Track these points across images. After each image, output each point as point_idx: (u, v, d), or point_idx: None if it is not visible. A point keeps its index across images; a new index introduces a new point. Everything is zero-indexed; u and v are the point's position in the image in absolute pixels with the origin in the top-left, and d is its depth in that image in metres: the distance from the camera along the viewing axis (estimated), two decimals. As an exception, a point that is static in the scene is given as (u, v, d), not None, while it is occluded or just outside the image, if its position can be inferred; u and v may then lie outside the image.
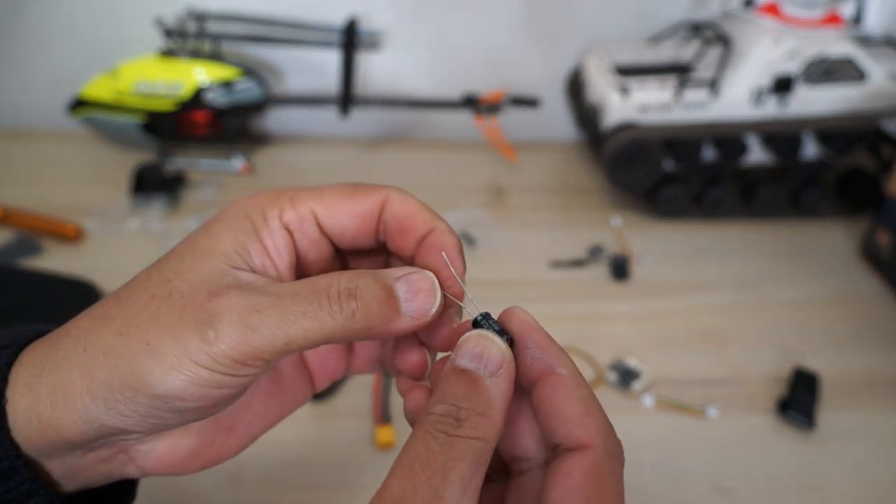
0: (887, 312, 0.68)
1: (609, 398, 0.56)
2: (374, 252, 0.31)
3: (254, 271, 0.27)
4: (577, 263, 0.73)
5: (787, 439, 0.55)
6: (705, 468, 0.52)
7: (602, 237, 0.76)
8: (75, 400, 0.24)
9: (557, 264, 0.72)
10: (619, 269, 0.71)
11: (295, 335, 0.24)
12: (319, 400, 0.55)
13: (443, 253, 0.28)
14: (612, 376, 0.58)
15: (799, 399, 0.56)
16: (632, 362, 0.59)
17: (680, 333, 0.64)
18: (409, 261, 0.29)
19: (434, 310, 0.27)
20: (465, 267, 0.28)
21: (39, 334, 0.27)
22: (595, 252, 0.74)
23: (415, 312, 0.26)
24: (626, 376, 0.58)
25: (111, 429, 0.25)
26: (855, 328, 0.66)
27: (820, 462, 0.53)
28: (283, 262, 0.28)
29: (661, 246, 0.75)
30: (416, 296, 0.26)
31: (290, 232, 0.28)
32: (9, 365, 0.26)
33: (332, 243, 0.30)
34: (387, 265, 0.32)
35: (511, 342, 0.26)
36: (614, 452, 0.24)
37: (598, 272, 0.72)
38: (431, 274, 0.27)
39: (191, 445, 0.29)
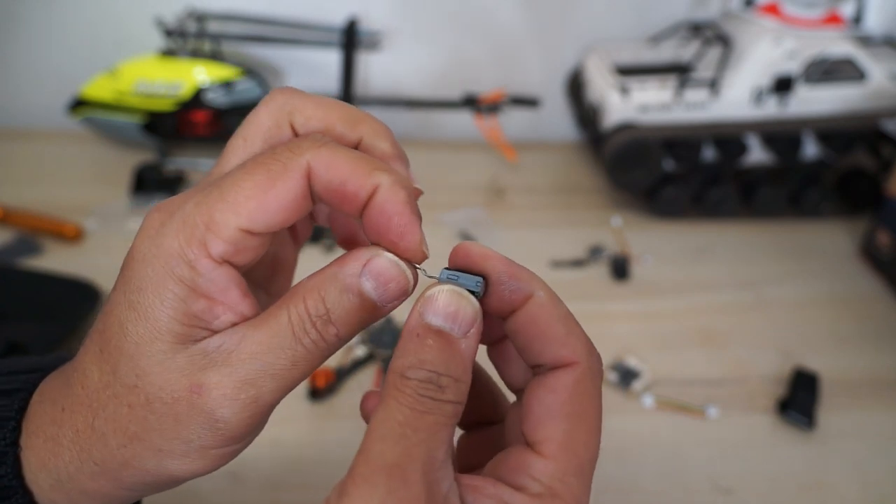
0: (887, 312, 0.68)
1: (609, 398, 0.56)
2: None
3: (213, 329, 0.24)
4: (578, 263, 0.73)
5: (787, 439, 0.55)
6: (705, 468, 0.52)
7: (602, 237, 0.76)
8: (111, 493, 0.25)
9: (557, 264, 0.72)
10: (620, 268, 0.71)
11: (294, 381, 0.24)
12: (319, 400, 0.55)
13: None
14: (613, 376, 0.58)
15: (799, 399, 0.56)
16: (632, 362, 0.59)
17: (680, 333, 0.64)
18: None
19: (411, 289, 0.25)
20: (420, 219, 0.25)
21: (41, 376, 0.27)
22: (595, 252, 0.74)
23: (393, 300, 0.25)
24: (627, 376, 0.58)
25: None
26: (855, 328, 0.66)
27: (820, 462, 0.53)
28: (235, 296, 0.24)
29: (661, 246, 0.75)
30: (386, 287, 0.24)
31: (227, 260, 0.24)
32: (22, 409, 0.26)
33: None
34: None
35: (486, 282, 0.25)
36: (597, 368, 0.25)
37: (599, 272, 0.72)
38: (391, 256, 0.24)
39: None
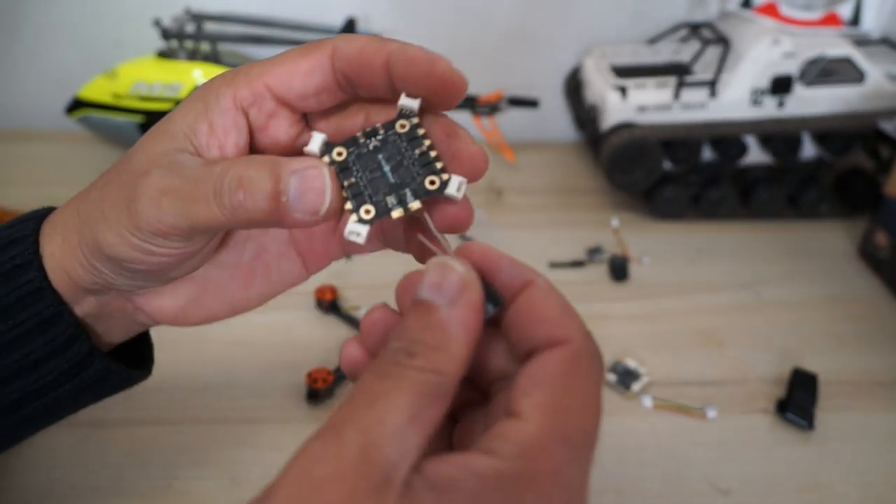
0: (886, 313, 0.68)
1: (608, 399, 0.56)
2: (353, 108, 0.30)
3: (198, 152, 0.28)
4: (577, 264, 0.73)
5: (787, 440, 0.55)
6: (705, 469, 0.52)
7: (601, 238, 0.76)
8: (76, 251, 0.29)
9: (556, 265, 0.72)
10: (619, 269, 0.71)
11: (194, 221, 0.26)
12: (318, 402, 0.55)
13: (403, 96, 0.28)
14: (611, 377, 0.58)
15: (798, 400, 0.56)
16: (631, 363, 0.59)
17: (679, 334, 0.64)
18: (392, 100, 0.28)
19: (324, 210, 0.26)
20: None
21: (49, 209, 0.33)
22: (594, 253, 0.74)
23: (304, 210, 0.25)
24: (625, 377, 0.58)
25: (103, 283, 0.30)
26: (854, 329, 0.66)
27: (819, 462, 0.53)
28: (230, 140, 0.28)
29: (660, 246, 0.75)
30: (305, 194, 0.25)
31: (244, 110, 0.28)
32: (38, 226, 0.31)
33: (297, 110, 0.29)
34: (367, 117, 0.30)
35: (501, 306, 0.25)
36: (594, 352, 0.24)
37: (598, 273, 0.72)
38: (327, 171, 0.26)
39: (180, 304, 0.32)
